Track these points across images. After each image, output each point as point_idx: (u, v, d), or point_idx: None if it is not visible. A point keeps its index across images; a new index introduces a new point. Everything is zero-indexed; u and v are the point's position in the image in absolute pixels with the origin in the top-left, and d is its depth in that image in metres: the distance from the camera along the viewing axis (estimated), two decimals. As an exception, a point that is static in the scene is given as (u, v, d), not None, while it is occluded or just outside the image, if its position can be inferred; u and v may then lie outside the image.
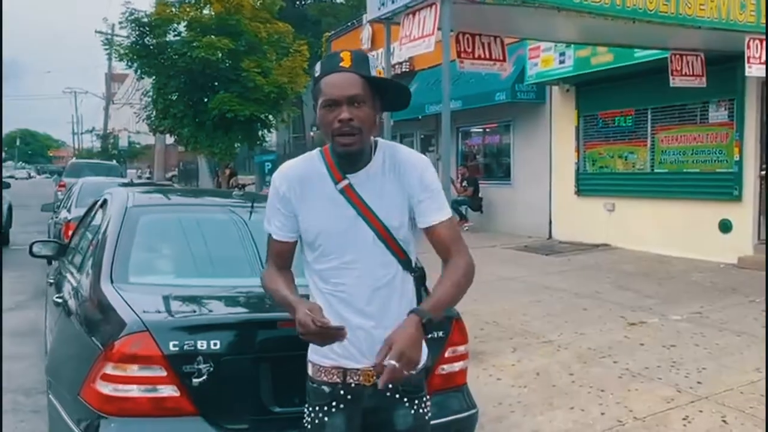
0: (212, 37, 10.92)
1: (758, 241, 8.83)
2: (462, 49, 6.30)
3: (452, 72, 6.86)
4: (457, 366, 2.72)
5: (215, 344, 2.22)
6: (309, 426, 1.90)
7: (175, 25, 11.72)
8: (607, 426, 3.92)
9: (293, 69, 11.73)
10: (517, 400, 4.34)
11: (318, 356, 1.88)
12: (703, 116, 9.41)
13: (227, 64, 11.03)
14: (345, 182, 1.84)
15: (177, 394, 2.19)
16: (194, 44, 10.65)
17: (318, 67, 1.84)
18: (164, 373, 2.18)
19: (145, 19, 11.80)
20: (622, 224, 10.49)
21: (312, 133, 22.57)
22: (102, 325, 2.40)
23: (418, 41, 5.36)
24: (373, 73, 1.79)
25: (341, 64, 1.76)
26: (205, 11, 11.68)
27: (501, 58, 6.53)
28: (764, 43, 6.90)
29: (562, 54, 10.43)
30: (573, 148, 11.46)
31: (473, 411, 2.74)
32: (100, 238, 3.03)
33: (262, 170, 13.90)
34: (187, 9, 11.83)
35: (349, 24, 18.93)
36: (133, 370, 2.17)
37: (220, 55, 10.70)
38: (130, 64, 12.49)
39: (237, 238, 2.98)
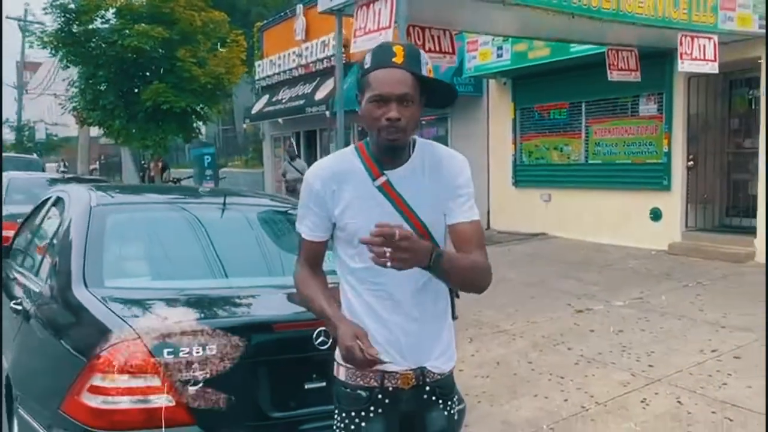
0: (144, 25, 10.48)
1: (686, 228, 9.30)
2: (413, 42, 6.30)
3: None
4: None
5: (211, 349, 2.13)
6: (343, 431, 1.83)
7: (104, 12, 11.16)
8: (573, 412, 4.04)
9: (230, 59, 11.41)
10: (482, 390, 4.41)
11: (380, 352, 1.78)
12: (634, 110, 9.81)
13: (161, 54, 10.60)
14: (383, 178, 1.79)
15: (172, 403, 2.09)
16: (125, 32, 10.16)
17: (368, 58, 1.77)
18: (158, 383, 2.06)
19: (72, 5, 11.17)
20: (558, 214, 10.82)
21: (245, 126, 22.07)
22: (82, 334, 2.26)
23: (374, 34, 5.32)
24: (424, 70, 1.75)
25: (394, 59, 1.71)
26: (136, -2, 11.23)
27: (450, 50, 6.59)
28: (695, 39, 7.25)
29: (500, 48, 10.61)
30: (510, 141, 11.70)
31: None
32: (62, 240, 2.84)
33: (201, 163, 13.51)
34: (117, -6, 11.32)
35: (281, 14, 18.60)
36: (124, 380, 2.06)
37: (153, 44, 10.25)
38: (54, 52, 11.79)
39: (214, 237, 2.87)
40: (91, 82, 11.44)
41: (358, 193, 1.80)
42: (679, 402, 4.14)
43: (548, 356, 5.08)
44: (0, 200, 3.95)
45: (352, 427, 1.81)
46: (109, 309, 2.24)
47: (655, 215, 9.50)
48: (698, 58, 7.30)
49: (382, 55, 1.74)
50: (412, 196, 1.79)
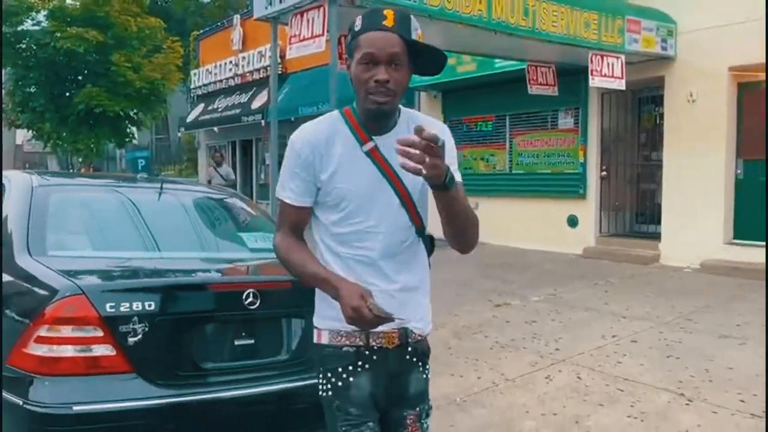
0: (78, 28, 10.43)
1: (600, 233, 9.99)
2: (344, 51, 6.64)
3: (326, 76, 7.19)
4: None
5: (150, 305, 2.38)
6: (330, 391, 1.83)
7: (35, 13, 11.04)
8: (484, 387, 4.43)
9: (166, 65, 11.46)
10: (404, 371, 4.74)
11: (336, 322, 1.78)
12: (554, 123, 10.49)
13: (94, 57, 10.56)
14: (371, 144, 1.78)
15: (113, 353, 2.32)
16: (57, 35, 10.10)
17: (358, 21, 1.74)
18: (100, 334, 2.30)
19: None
20: (485, 221, 10.97)
21: (180, 134, 21.91)
22: (29, 295, 2.45)
23: (308, 41, 5.64)
24: (414, 35, 1.72)
25: (384, 22, 1.69)
26: (69, 1, 11.11)
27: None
28: (604, 58, 7.91)
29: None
30: (440, 151, 12.18)
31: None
32: (5, 218, 3.01)
33: (135, 167, 13.44)
34: (49, -4, 11.22)
35: (218, 24, 18.68)
36: (68, 331, 2.27)
37: (86, 47, 10.21)
38: (-20, 53, 11.57)
39: (151, 216, 3.10)
40: (20, 83, 11.27)
41: (346, 157, 1.78)
42: (579, 377, 4.59)
43: (466, 343, 5.47)
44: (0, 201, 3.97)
45: (340, 383, 1.81)
46: (54, 271, 2.45)
47: (572, 222, 10.16)
48: (607, 75, 7.96)
49: (374, 17, 1.71)
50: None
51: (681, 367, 4.74)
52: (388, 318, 1.62)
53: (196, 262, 2.89)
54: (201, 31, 20.20)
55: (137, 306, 2.35)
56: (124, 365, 2.35)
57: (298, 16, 5.84)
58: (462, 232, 1.77)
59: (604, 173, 9.93)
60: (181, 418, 2.42)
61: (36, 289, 2.43)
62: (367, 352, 1.81)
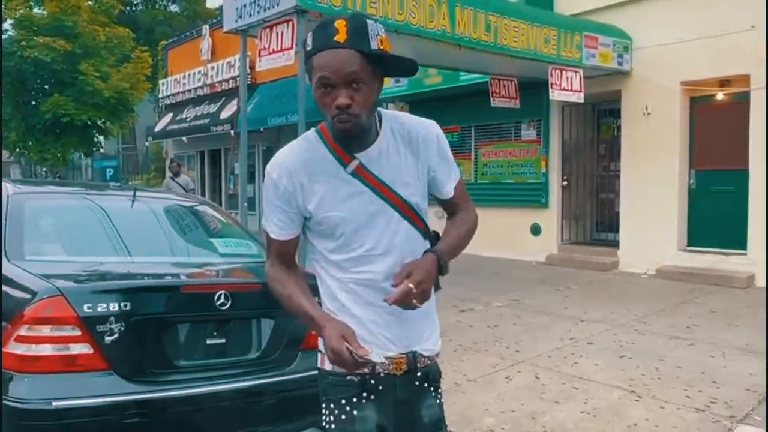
0: (46, 37, 10.42)
1: (562, 241, 10.31)
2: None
3: (295, 86, 7.35)
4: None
5: (125, 306, 2.51)
6: (333, 423, 1.69)
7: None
8: (447, 387, 4.57)
9: (135, 75, 11.49)
10: (370, 374, 4.90)
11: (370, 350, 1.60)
12: (517, 134, 10.81)
13: (62, 66, 10.55)
14: (355, 163, 1.64)
15: (90, 351, 2.45)
16: (24, 44, 10.08)
17: (309, 39, 1.58)
18: (78, 333, 2.42)
19: (-33, 14, 10.96)
20: None
21: (147, 144, 21.80)
22: (9, 297, 2.55)
23: (277, 54, 5.80)
24: (374, 42, 1.54)
25: (335, 37, 1.51)
26: (36, 10, 11.08)
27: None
28: (563, 72, 8.23)
29: (398, 73, 11.36)
30: (407, 161, 12.42)
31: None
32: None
33: (103, 176, 13.39)
34: (16, 5, 11.13)
35: (187, 34, 18.70)
36: (47, 330, 2.39)
37: (54, 56, 10.21)
38: (-55, 61, 11.45)
39: (121, 221, 3.23)
40: (-14, 92, 11.24)
41: (332, 183, 1.64)
42: (537, 377, 4.81)
43: (431, 346, 5.65)
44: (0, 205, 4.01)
45: (343, 416, 1.68)
46: (33, 275, 2.57)
47: (535, 230, 10.46)
48: (566, 89, 8.28)
49: (323, 34, 1.54)
50: (390, 175, 1.66)
51: (633, 367, 4.99)
52: (368, 361, 1.54)
53: (170, 266, 3.03)
54: (170, 41, 20.18)
55: (113, 307, 2.48)
56: (101, 363, 2.47)
57: (267, 29, 6.00)
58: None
59: (565, 183, 10.27)
60: (156, 413, 2.55)
61: (15, 292, 2.54)
62: (372, 381, 1.67)
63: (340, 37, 1.52)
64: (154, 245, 3.20)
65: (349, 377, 1.67)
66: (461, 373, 4.90)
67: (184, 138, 17.66)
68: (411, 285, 1.53)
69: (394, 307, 1.59)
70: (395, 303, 1.54)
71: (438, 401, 1.77)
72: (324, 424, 1.72)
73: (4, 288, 2.61)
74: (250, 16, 6.10)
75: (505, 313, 6.86)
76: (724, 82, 8.55)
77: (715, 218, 8.65)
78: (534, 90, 9.69)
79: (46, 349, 2.40)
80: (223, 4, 6.63)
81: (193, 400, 2.61)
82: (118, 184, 4.32)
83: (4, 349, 2.41)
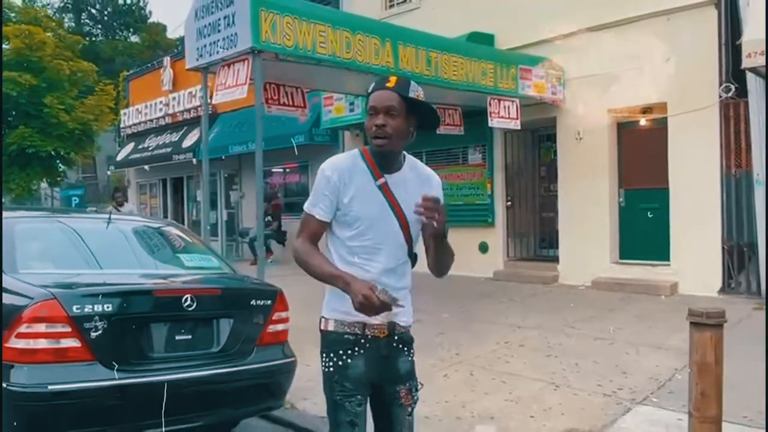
0: (11, 72, 10.80)
1: (507, 258, 11.02)
2: (269, 96, 7.43)
3: (254, 116, 7.92)
4: (280, 327, 3.76)
5: (108, 307, 3.03)
6: (332, 368, 2.28)
7: (-35, 57, 11.34)
8: (390, 385, 5.18)
9: (98, 107, 11.91)
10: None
11: (341, 314, 2.27)
12: (465, 158, 11.56)
13: (27, 100, 10.92)
14: (383, 180, 2.27)
15: (78, 345, 2.96)
16: (-11, 78, 10.46)
17: (371, 86, 2.31)
18: (69, 329, 2.93)
19: (-69, 49, 11.31)
20: None
21: (109, 173, 22.01)
22: (5, 305, 3.05)
23: (233, 88, 6.38)
24: (413, 95, 2.24)
25: (387, 84, 2.24)
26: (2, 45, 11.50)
27: (302, 105, 7.79)
28: (501, 102, 8.99)
29: (352, 103, 11.98)
30: (363, 185, 13.05)
31: (293, 359, 3.79)
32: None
33: (69, 204, 13.69)
34: (-20, 42, 11.56)
35: (148, 65, 19.13)
36: (42, 328, 2.90)
37: (19, 90, 10.58)
38: None
39: (99, 239, 3.75)
40: (-47, 124, 11.54)
41: (363, 188, 2.26)
42: (471, 374, 5.42)
43: (380, 353, 6.21)
44: None
45: (340, 363, 2.26)
46: (28, 284, 3.08)
47: (483, 248, 11.16)
48: (504, 117, 9.04)
49: (380, 82, 2.28)
50: (402, 197, 2.29)
51: (556, 363, 5.64)
52: (391, 303, 2.05)
53: (143, 275, 3.56)
54: (131, 72, 20.57)
55: (98, 308, 3.00)
56: (87, 354, 2.98)
57: (226, 67, 6.58)
58: (446, 265, 2.37)
59: (509, 203, 11.02)
60: (132, 395, 3.06)
61: (14, 297, 3.04)
62: (362, 340, 2.27)
63: (390, 84, 2.25)
64: (129, 259, 3.72)
65: (346, 336, 2.28)
66: (404, 373, 5.47)
67: (146, 166, 18.01)
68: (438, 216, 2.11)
69: (383, 291, 2.14)
70: (425, 204, 2.10)
71: (410, 359, 2.43)
72: (324, 369, 2.30)
73: (3, 296, 3.11)
74: (210, 55, 6.67)
75: (449, 322, 7.47)
76: (646, 110, 9.44)
77: (642, 233, 9.48)
78: (478, 117, 10.38)
79: (41, 343, 2.90)
80: (185, 44, 7.20)
81: (164, 385, 3.13)
82: (95, 208, 4.80)
83: (6, 345, 2.90)
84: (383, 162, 2.29)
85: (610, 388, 4.92)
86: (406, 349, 2.41)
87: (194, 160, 15.37)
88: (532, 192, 11.29)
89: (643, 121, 9.52)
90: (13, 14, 11.93)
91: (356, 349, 2.28)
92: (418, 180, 2.35)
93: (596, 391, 4.89)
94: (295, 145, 11.94)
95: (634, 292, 8.77)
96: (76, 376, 2.94)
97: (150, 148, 17.70)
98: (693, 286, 8.51)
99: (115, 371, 3.03)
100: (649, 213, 9.45)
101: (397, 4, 12.65)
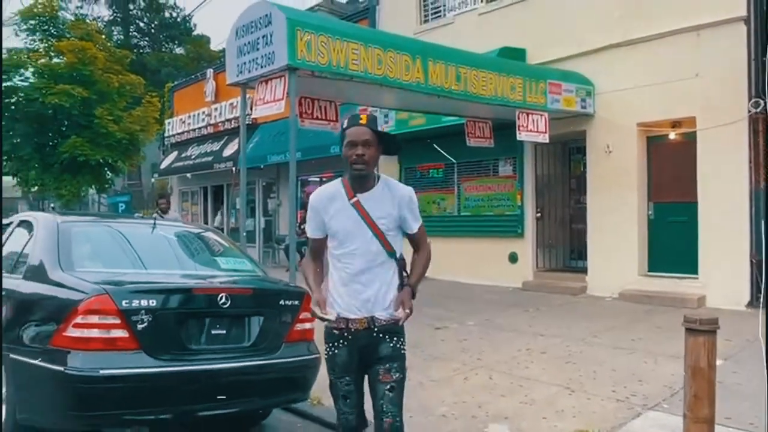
0: (65, 85, 11.47)
1: (537, 268, 11.17)
2: (303, 110, 7.81)
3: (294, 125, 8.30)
4: (307, 325, 4.08)
5: (152, 302, 3.40)
6: (326, 356, 2.94)
7: (22, 70, 12.07)
8: (412, 386, 5.35)
9: (145, 118, 12.53)
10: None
11: (331, 312, 2.86)
12: (495, 170, 11.78)
13: (79, 111, 11.58)
14: (355, 199, 2.85)
15: (126, 335, 3.33)
16: (45, 90, 11.11)
17: (345, 122, 2.89)
18: (118, 321, 3.30)
19: (-9, 64, 12.08)
20: (436, 259, 12.21)
21: (153, 180, 22.83)
22: (63, 297, 3.44)
23: (270, 104, 6.77)
24: (379, 128, 2.91)
25: (360, 122, 2.83)
26: (56, 60, 12.17)
27: (334, 119, 8.14)
28: (530, 115, 9.21)
29: (386, 115, 12.33)
30: (396, 195, 13.35)
31: (317, 355, 4.10)
32: (34, 246, 4.01)
33: (116, 210, 14.40)
34: (37, 56, 12.24)
35: (192, 77, 19.86)
36: (95, 319, 3.28)
37: (72, 102, 11.24)
38: (-29, 105, 12.57)
39: (145, 242, 4.14)
40: (11, 134, 12.25)
41: (339, 208, 2.86)
42: (490, 378, 5.65)
43: (404, 356, 6.49)
44: None
45: (329, 353, 2.92)
46: (83, 280, 3.46)
47: (513, 258, 11.33)
48: (533, 130, 9.25)
49: (354, 120, 2.86)
50: (375, 211, 2.85)
51: (574, 370, 5.83)
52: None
53: (184, 275, 3.92)
54: (175, 83, 21.37)
55: (144, 303, 3.37)
56: (133, 344, 3.35)
57: (264, 83, 6.98)
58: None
59: (539, 215, 11.18)
60: (172, 381, 3.41)
61: (72, 292, 3.43)
62: (346, 333, 2.86)
63: (363, 122, 2.85)
64: (170, 260, 4.10)
65: (334, 331, 2.90)
66: (426, 375, 5.74)
67: (188, 174, 18.70)
68: (408, 311, 2.84)
69: (362, 288, 2.85)
70: (404, 320, 2.85)
71: (391, 345, 2.88)
72: (324, 354, 2.98)
73: (61, 290, 3.50)
74: (249, 71, 7.09)
75: (475, 330, 7.70)
76: (675, 123, 9.52)
77: (671, 246, 9.54)
78: (509, 130, 10.57)
79: (94, 333, 3.28)
80: (226, 60, 7.64)
81: (200, 373, 3.47)
82: (140, 214, 5.22)
83: (63, 333, 3.29)
84: (357, 184, 2.86)
85: (624, 394, 5.09)
86: (387, 337, 2.87)
87: (234, 169, 15.89)
88: (562, 204, 11.44)
89: (672, 135, 9.61)
90: (67, 31, 12.67)
91: (341, 341, 2.88)
92: (390, 195, 2.89)
93: (610, 396, 5.07)
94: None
95: (661, 305, 8.84)
96: (123, 362, 3.30)
97: (192, 157, 18.37)
98: (721, 300, 8.54)
99: (156, 360, 3.39)
100: (677, 226, 9.50)
101: (432, 18, 12.97)
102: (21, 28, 13.22)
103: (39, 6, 12.92)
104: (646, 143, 9.87)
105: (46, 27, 12.40)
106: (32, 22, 12.45)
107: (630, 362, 6.06)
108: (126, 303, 3.33)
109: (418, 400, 5.04)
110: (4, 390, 3.65)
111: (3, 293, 3.92)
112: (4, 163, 12.38)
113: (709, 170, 8.88)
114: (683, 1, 9.11)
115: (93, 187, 12.12)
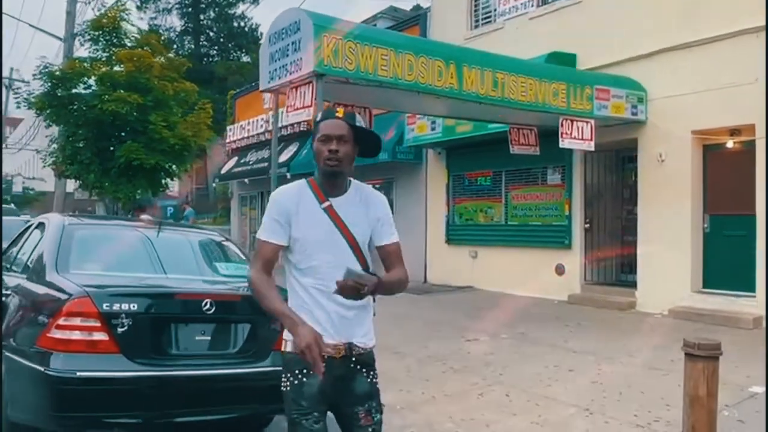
0: (122, 92, 11.94)
1: (585, 281, 10.74)
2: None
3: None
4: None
5: (133, 306, 3.41)
6: (289, 387, 2.36)
7: (87, 78, 12.67)
8: (424, 400, 5.30)
9: (197, 124, 12.88)
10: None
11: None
12: (543, 178, 11.42)
13: (135, 117, 12.03)
14: (328, 203, 2.41)
15: (106, 338, 3.36)
16: (104, 97, 11.60)
17: (319, 115, 2.51)
18: (98, 324, 3.34)
19: (58, 73, 12.71)
20: (482, 269, 12.22)
21: (215, 185, 23.52)
22: (53, 299, 3.51)
23: (300, 110, 6.80)
24: (358, 124, 2.43)
25: (336, 114, 2.42)
26: (117, 68, 12.70)
27: (368, 125, 8.07)
28: (574, 122, 8.86)
29: (434, 122, 12.19)
30: (444, 203, 13.22)
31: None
32: (43, 245, 4.14)
33: (165, 213, 14.98)
34: (99, 65, 12.82)
35: (252, 84, 20.33)
36: (77, 321, 3.32)
37: (129, 108, 11.69)
38: (39, 112, 13.27)
39: (145, 246, 4.19)
40: (71, 139, 12.84)
41: (310, 212, 2.39)
42: (507, 395, 5.43)
43: (425, 368, 6.34)
44: None
45: (296, 382, 2.34)
46: (71, 282, 3.53)
47: (559, 270, 10.93)
48: (577, 138, 8.90)
49: (329, 113, 2.45)
50: (349, 218, 2.42)
51: (599, 390, 5.52)
52: (322, 361, 2.18)
53: (173, 279, 3.94)
54: (237, 91, 21.93)
55: (125, 306, 3.39)
56: (113, 347, 3.37)
57: (293, 89, 7.01)
58: (392, 293, 2.46)
59: (587, 225, 10.75)
60: (151, 386, 3.42)
61: (59, 294, 3.50)
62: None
63: (339, 114, 2.43)
64: (170, 265, 4.12)
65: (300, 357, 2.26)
66: (441, 389, 5.58)
67: (246, 180, 19.11)
68: (366, 287, 2.25)
69: (341, 311, 2.35)
70: (340, 286, 2.22)
71: (368, 380, 2.44)
72: (282, 387, 2.39)
73: (53, 291, 3.58)
74: (280, 78, 7.14)
75: (506, 344, 7.45)
76: (733, 131, 8.95)
77: (727, 261, 8.96)
78: (557, 138, 10.30)
79: (75, 335, 3.32)
80: (260, 67, 7.72)
81: (180, 379, 3.47)
82: (150, 217, 5.33)
83: (47, 334, 3.35)
84: (328, 186, 2.44)
85: (646, 420, 4.78)
86: (365, 370, 2.44)
87: (288, 175, 16.10)
88: (613, 214, 10.97)
89: (729, 143, 9.04)
90: (128, 41, 13.25)
91: (311, 369, 2.26)
92: (363, 201, 2.49)
93: (630, 421, 4.77)
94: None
95: (712, 323, 8.31)
96: (102, 365, 3.33)
97: (250, 163, 18.77)
98: (780, 320, 7.96)
99: (136, 364, 3.40)
100: (735, 240, 8.91)
101: (482, 24, 12.75)
102: (85, 38, 13.88)
103: (106, 18, 13.54)
104: (702, 152, 9.33)
105: (108, 37, 12.98)
106: (96, 32, 13.06)
107: (662, 385, 5.69)
108: (107, 306, 3.37)
109: (425, 416, 4.90)
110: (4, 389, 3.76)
111: (9, 292, 4.07)
112: (67, 167, 13.06)
113: (764, 181, 8.28)
114: (741, 2, 8.56)
115: (148, 190, 12.60)
